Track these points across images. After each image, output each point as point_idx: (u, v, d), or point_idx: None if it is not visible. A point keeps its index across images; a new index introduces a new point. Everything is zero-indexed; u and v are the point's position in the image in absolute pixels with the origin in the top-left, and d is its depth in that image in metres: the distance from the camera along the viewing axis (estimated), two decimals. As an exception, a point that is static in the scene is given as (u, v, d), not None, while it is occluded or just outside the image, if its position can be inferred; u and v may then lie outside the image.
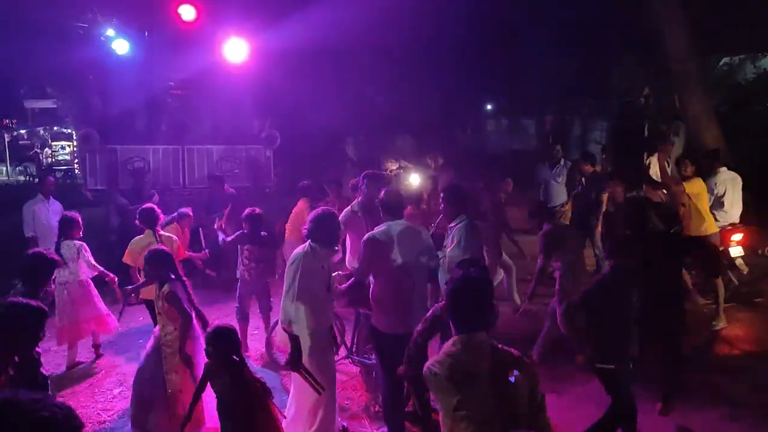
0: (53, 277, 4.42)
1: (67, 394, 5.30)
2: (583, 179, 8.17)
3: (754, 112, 12.68)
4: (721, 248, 6.58)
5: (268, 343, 5.79)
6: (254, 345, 6.33)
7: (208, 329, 3.66)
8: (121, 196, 8.42)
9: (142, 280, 5.25)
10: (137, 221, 5.83)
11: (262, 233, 6.14)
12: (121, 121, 11.77)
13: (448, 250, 4.76)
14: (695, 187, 6.48)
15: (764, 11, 10.58)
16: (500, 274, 7.18)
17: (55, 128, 20.79)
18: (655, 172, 8.37)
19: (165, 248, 4.63)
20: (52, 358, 5.86)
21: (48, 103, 21.55)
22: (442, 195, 4.92)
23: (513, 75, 20.43)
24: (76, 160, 18.84)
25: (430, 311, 3.87)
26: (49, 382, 3.63)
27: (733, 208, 7.02)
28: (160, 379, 4.24)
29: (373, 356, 4.64)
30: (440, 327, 3.76)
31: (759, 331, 6.42)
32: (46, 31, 11.80)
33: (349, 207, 6.04)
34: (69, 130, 20.13)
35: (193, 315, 4.32)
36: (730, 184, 6.96)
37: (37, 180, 15.15)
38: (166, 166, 10.42)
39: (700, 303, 6.80)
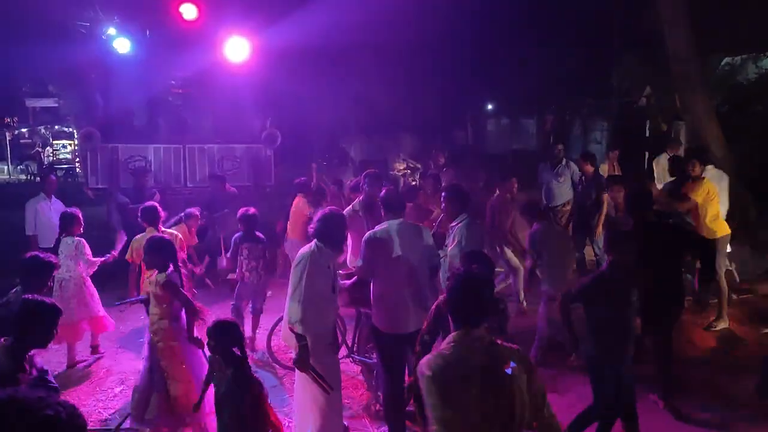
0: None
1: (69, 393, 5.31)
2: (583, 179, 8.17)
3: (755, 112, 12.67)
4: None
5: (269, 344, 5.79)
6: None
7: (210, 323, 3.67)
8: (122, 194, 8.41)
9: (143, 277, 5.26)
10: (140, 219, 5.84)
11: (257, 233, 6.20)
12: (122, 120, 11.80)
13: (449, 249, 4.78)
14: (704, 190, 6.41)
15: (766, 11, 10.57)
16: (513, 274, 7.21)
17: (57, 127, 20.84)
18: (663, 166, 8.56)
19: (166, 237, 4.67)
20: (52, 357, 5.87)
21: (49, 102, 21.57)
22: (443, 194, 4.93)
23: (513, 75, 20.43)
24: (78, 159, 18.87)
25: (433, 307, 3.87)
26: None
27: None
28: (157, 368, 4.30)
29: (374, 355, 4.64)
30: (443, 323, 3.76)
31: (760, 331, 6.41)
32: (48, 30, 11.81)
33: (351, 206, 6.07)
34: (70, 129, 20.16)
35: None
36: (716, 182, 7.01)
37: (38, 179, 15.19)
38: (167, 164, 10.42)
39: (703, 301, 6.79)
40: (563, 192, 8.47)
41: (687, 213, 6.50)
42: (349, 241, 5.59)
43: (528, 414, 2.31)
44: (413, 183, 9.86)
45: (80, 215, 5.95)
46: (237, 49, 9.58)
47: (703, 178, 6.55)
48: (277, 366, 5.71)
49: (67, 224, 5.89)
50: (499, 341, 2.41)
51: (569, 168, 8.51)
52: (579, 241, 8.12)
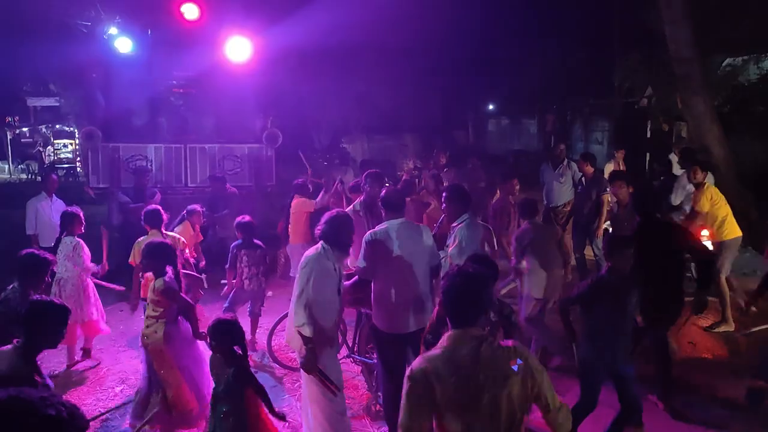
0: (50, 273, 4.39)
1: (69, 393, 5.32)
2: (583, 180, 8.15)
3: (756, 112, 12.67)
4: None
5: (269, 344, 5.79)
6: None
7: (211, 322, 3.68)
8: (123, 194, 8.42)
9: (143, 279, 5.26)
10: (142, 222, 5.83)
11: (255, 240, 6.21)
12: (123, 119, 11.80)
13: (450, 249, 4.77)
14: (707, 197, 6.36)
15: (767, 12, 10.57)
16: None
17: (58, 126, 20.82)
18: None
19: (166, 241, 4.66)
20: (53, 357, 5.87)
21: (51, 101, 21.59)
22: (444, 195, 4.93)
23: (515, 75, 20.44)
24: (79, 158, 18.88)
25: (436, 307, 3.86)
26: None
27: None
28: (153, 370, 4.32)
29: (375, 356, 4.64)
30: (446, 323, 3.76)
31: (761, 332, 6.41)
32: (50, 29, 11.84)
33: (351, 206, 6.07)
34: (71, 128, 20.17)
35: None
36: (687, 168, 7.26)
37: (39, 178, 15.20)
38: (168, 164, 10.42)
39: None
40: (564, 192, 8.46)
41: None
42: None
43: (522, 412, 2.31)
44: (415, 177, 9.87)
45: (81, 214, 5.91)
46: (238, 48, 9.58)
47: (705, 183, 6.51)
48: (277, 366, 5.71)
49: (67, 223, 5.85)
50: (498, 341, 2.41)
51: (571, 168, 8.50)
52: (579, 242, 8.12)
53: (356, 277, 4.44)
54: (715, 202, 6.37)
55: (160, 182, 9.81)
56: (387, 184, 7.40)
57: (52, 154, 19.83)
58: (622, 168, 9.75)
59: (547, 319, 5.76)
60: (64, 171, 18.81)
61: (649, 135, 15.34)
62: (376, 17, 13.26)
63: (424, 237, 4.31)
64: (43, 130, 21.33)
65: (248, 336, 6.06)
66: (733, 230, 6.43)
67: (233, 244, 6.27)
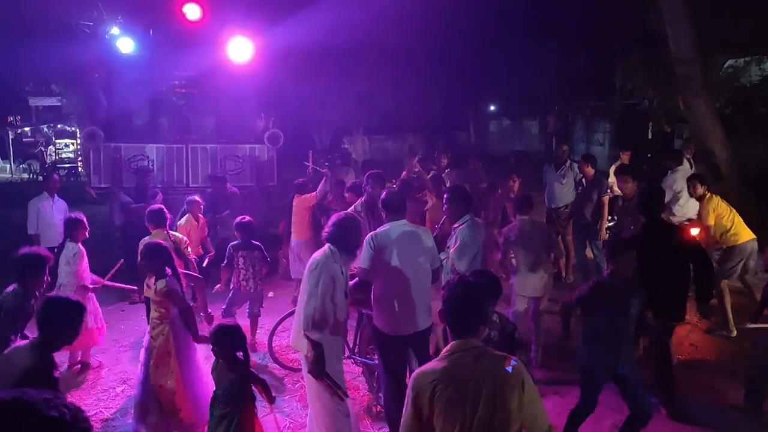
0: (49, 274, 4.37)
1: (70, 392, 5.32)
2: (584, 181, 8.14)
3: (758, 114, 12.66)
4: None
5: (270, 344, 5.79)
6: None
7: (213, 328, 3.68)
8: (124, 194, 8.43)
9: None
10: (146, 222, 5.81)
11: (253, 241, 6.19)
12: (125, 119, 11.81)
13: (451, 250, 4.77)
14: (710, 209, 6.33)
15: (769, 13, 10.57)
16: None
17: (60, 126, 20.89)
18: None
19: (162, 242, 4.65)
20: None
21: (52, 101, 21.62)
22: (446, 196, 4.93)
23: (516, 76, 20.44)
24: (80, 158, 18.90)
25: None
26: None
27: (689, 203, 7.61)
28: (149, 377, 4.31)
29: (375, 357, 4.64)
30: None
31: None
32: (52, 29, 11.85)
33: (352, 207, 6.07)
34: (73, 128, 20.22)
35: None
36: (685, 179, 7.48)
37: (41, 178, 15.21)
38: (170, 164, 10.42)
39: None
40: (566, 194, 8.44)
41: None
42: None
43: (517, 426, 2.30)
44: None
45: (85, 220, 5.79)
46: (240, 49, 9.59)
47: (706, 195, 6.46)
48: (278, 366, 5.71)
49: (71, 229, 5.77)
50: (494, 351, 2.41)
51: (573, 170, 8.49)
52: (579, 243, 8.11)
53: (357, 278, 4.43)
54: (720, 212, 6.33)
55: (161, 182, 9.81)
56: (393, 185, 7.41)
57: (54, 154, 19.87)
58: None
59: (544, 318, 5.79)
60: (66, 171, 18.85)
61: (650, 136, 15.34)
62: (378, 17, 13.27)
63: (424, 239, 4.30)
64: (45, 129, 21.38)
65: (248, 338, 6.07)
66: (745, 234, 6.36)
67: (231, 244, 6.25)
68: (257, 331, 6.41)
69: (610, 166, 10.58)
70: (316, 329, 3.65)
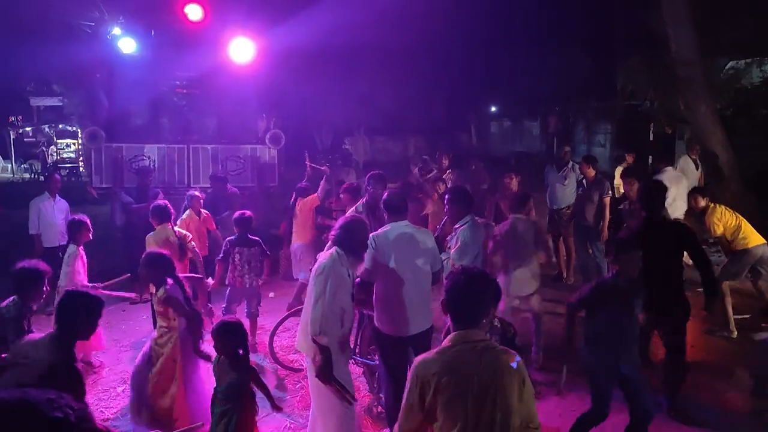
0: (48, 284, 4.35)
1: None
2: (584, 182, 8.13)
3: (759, 116, 12.65)
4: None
5: (271, 345, 5.80)
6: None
7: (216, 324, 3.69)
8: (125, 194, 8.43)
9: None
10: (150, 218, 5.80)
11: (251, 237, 6.15)
12: (126, 120, 11.82)
13: (452, 251, 4.78)
14: (716, 219, 6.26)
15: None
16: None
17: (61, 126, 20.90)
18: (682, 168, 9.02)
19: (162, 251, 4.62)
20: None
21: (54, 101, 21.64)
22: (447, 197, 4.93)
23: (517, 77, 20.46)
24: (82, 158, 18.91)
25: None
26: None
27: (676, 202, 7.88)
28: (144, 384, 4.28)
29: (376, 357, 4.64)
30: None
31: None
32: (53, 30, 11.87)
33: (354, 207, 6.06)
34: (74, 128, 20.23)
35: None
36: (674, 182, 7.75)
37: (42, 178, 15.23)
38: (171, 164, 10.43)
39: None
40: (568, 195, 8.43)
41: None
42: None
43: (517, 421, 2.30)
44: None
45: (89, 222, 5.78)
46: (242, 49, 9.60)
47: (708, 207, 6.36)
48: (279, 367, 5.71)
49: (74, 231, 5.76)
50: (496, 345, 2.42)
51: (575, 171, 8.48)
52: (580, 244, 8.11)
53: (358, 279, 4.43)
54: (726, 220, 6.26)
55: (162, 182, 9.81)
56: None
57: (55, 154, 19.89)
58: (633, 171, 9.79)
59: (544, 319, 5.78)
60: (67, 171, 18.87)
61: (651, 138, 15.33)
62: (379, 18, 13.28)
63: (425, 240, 4.29)
64: (46, 129, 21.39)
65: (249, 339, 6.06)
66: (754, 238, 6.28)
67: (228, 239, 6.19)
68: (257, 332, 6.41)
69: (611, 167, 10.59)
70: (324, 333, 3.61)
